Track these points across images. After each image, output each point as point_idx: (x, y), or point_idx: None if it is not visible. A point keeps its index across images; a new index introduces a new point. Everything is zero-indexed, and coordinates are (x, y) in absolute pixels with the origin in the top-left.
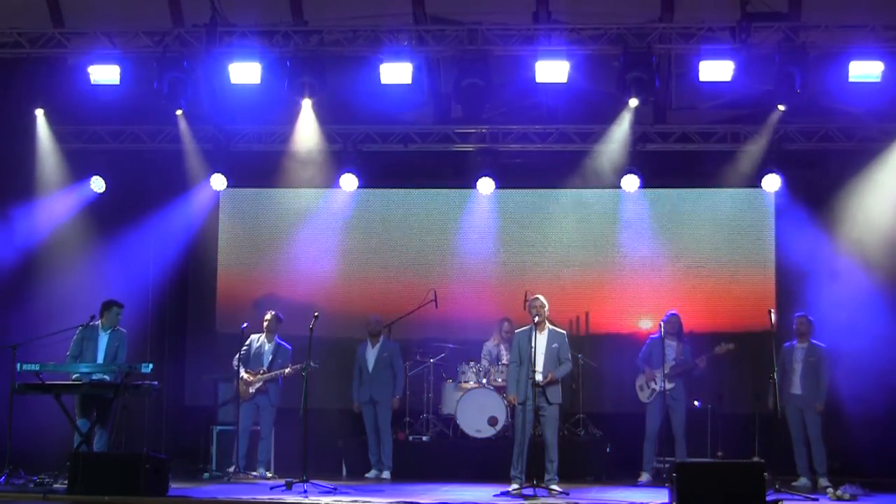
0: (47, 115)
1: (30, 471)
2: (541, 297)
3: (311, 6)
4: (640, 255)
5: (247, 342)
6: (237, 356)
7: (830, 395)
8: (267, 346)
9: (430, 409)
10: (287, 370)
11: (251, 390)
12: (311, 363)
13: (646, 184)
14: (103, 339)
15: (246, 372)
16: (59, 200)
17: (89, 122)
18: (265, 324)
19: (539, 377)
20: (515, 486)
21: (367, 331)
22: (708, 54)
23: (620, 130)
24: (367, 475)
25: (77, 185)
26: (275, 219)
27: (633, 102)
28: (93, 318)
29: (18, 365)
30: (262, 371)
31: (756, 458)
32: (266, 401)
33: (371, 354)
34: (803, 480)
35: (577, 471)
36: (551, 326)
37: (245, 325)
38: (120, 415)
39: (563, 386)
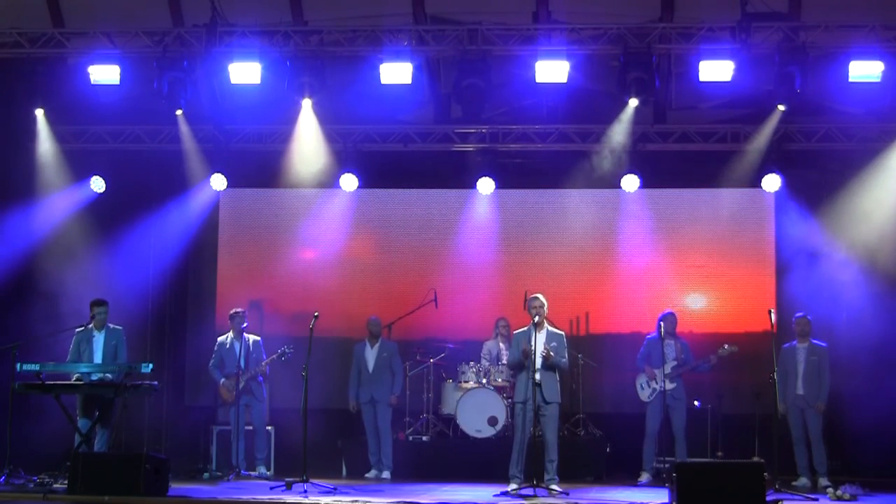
0: (47, 115)
1: (30, 471)
2: (540, 297)
3: (311, 6)
4: (639, 255)
5: (216, 346)
6: (211, 362)
7: (831, 395)
8: (237, 345)
9: (430, 409)
10: (264, 364)
11: (234, 393)
12: (287, 349)
13: (646, 184)
14: (98, 340)
15: (225, 377)
16: (59, 200)
17: (89, 122)
18: (230, 322)
19: (538, 377)
20: (514, 485)
21: (368, 331)
22: (708, 54)
23: (620, 130)
24: (367, 475)
25: (77, 185)
26: (275, 219)
27: (633, 102)
28: (93, 318)
29: (18, 365)
30: (239, 372)
31: (756, 458)
32: (252, 399)
33: (371, 355)
34: (803, 480)
35: (577, 471)
36: (550, 327)
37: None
38: (120, 415)
39: (563, 386)
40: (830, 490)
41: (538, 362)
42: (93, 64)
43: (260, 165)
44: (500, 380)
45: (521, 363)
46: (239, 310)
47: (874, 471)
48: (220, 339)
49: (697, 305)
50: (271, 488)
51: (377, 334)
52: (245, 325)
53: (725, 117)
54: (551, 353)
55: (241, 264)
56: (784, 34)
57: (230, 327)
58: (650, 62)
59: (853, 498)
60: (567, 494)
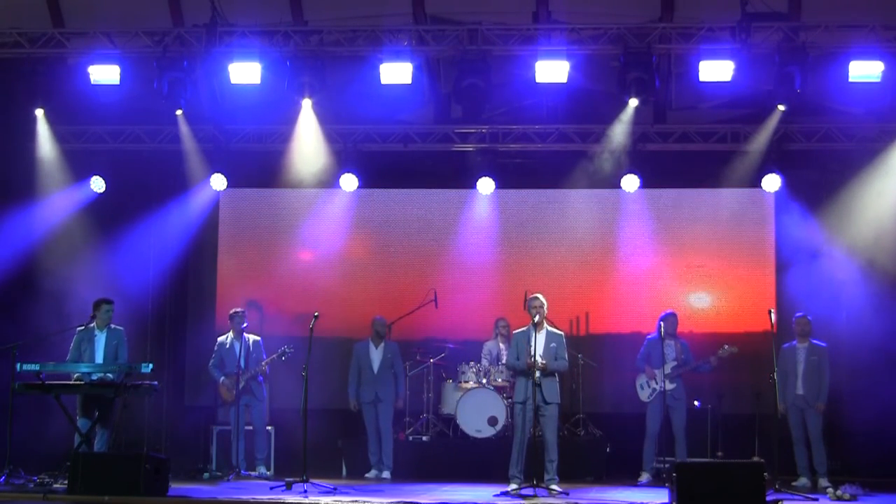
0: (47, 115)
1: (30, 471)
2: (540, 297)
3: (311, 6)
4: (639, 255)
5: (216, 346)
6: (211, 362)
7: (831, 395)
8: (237, 345)
9: (430, 409)
10: (264, 364)
11: (234, 392)
12: (287, 348)
13: (646, 184)
14: (100, 339)
15: (225, 377)
16: (59, 200)
17: (89, 122)
18: (230, 322)
19: (538, 377)
20: (514, 485)
21: (374, 331)
22: (708, 54)
23: (620, 130)
24: (366, 475)
25: (77, 185)
26: (275, 219)
27: (633, 102)
28: (93, 317)
29: (18, 365)
30: (239, 372)
31: (756, 458)
32: (252, 398)
33: (376, 355)
34: (803, 480)
35: (577, 471)
36: (549, 327)
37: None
38: (120, 415)
39: (562, 386)
40: (830, 490)
41: (538, 365)
42: (93, 64)
43: (260, 165)
44: (500, 380)
45: (524, 371)
46: (239, 310)
47: (874, 471)
48: (220, 339)
49: (697, 305)
50: (271, 488)
51: (383, 334)
52: (245, 325)
53: (725, 117)
54: (548, 365)
55: (241, 264)
56: (784, 34)
57: (230, 327)
58: (650, 62)
59: (853, 498)
60: (567, 494)
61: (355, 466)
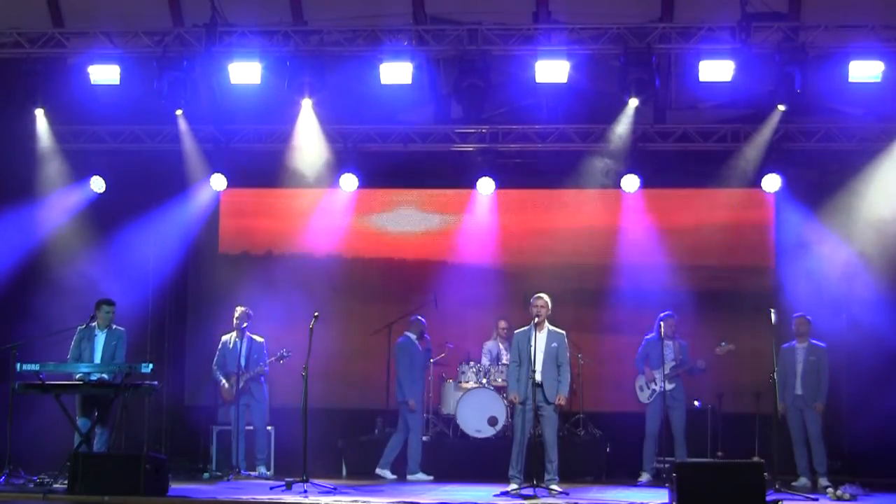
0: (47, 115)
1: (30, 471)
2: (544, 296)
3: (311, 6)
4: (640, 254)
5: (220, 345)
6: (214, 361)
7: (830, 395)
8: (238, 344)
9: (430, 409)
10: (262, 366)
11: (234, 392)
12: (285, 352)
13: (646, 184)
14: (99, 339)
15: (225, 377)
16: (59, 200)
17: (89, 122)
18: (234, 321)
19: (538, 377)
20: (514, 485)
21: (418, 331)
22: (708, 54)
23: (620, 130)
24: (412, 476)
25: (77, 185)
26: (275, 219)
27: (633, 102)
28: (93, 318)
29: (18, 365)
30: (241, 372)
31: (756, 458)
32: (252, 399)
33: (423, 354)
34: (803, 480)
35: (577, 471)
36: (551, 327)
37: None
38: (120, 415)
39: None
40: (830, 490)
41: (538, 362)
42: (93, 64)
43: (260, 165)
44: (500, 380)
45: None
46: (241, 308)
47: (874, 471)
48: (223, 337)
49: (697, 305)
50: (271, 488)
51: (423, 335)
52: (246, 324)
53: (725, 117)
54: (563, 398)
55: (240, 264)
56: (784, 34)
57: (234, 326)
58: (650, 62)
59: (853, 498)
60: (567, 494)
61: (355, 466)
